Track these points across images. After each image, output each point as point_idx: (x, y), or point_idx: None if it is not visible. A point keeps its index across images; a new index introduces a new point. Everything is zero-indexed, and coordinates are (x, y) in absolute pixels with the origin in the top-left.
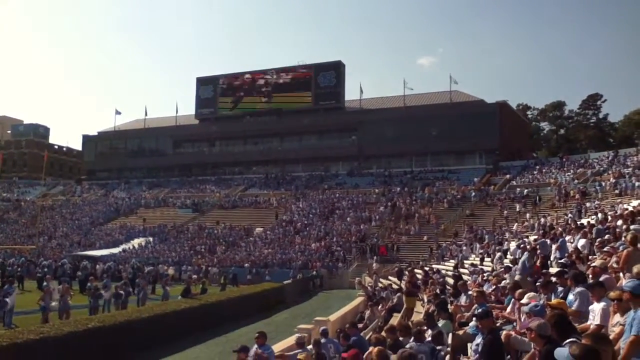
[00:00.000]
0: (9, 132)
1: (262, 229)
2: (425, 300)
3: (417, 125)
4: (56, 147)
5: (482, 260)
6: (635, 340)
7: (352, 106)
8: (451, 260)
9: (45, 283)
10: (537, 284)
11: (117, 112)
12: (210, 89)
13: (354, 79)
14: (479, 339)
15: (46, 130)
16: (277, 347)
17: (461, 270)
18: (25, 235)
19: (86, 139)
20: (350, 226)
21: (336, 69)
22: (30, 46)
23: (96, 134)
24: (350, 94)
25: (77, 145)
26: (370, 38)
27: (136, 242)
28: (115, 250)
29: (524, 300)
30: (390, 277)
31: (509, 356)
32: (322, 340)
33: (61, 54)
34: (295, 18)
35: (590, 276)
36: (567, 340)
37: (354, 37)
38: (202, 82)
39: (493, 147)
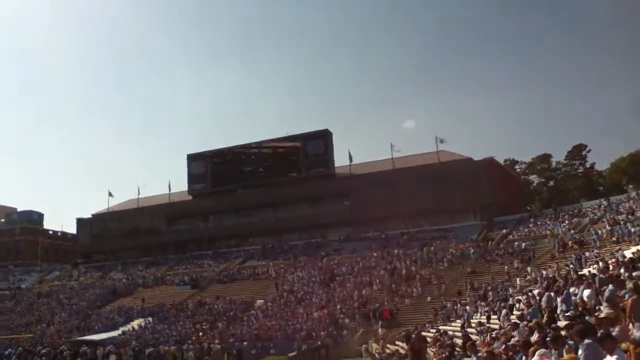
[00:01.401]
0: (2, 220)
1: (262, 300)
2: None
3: (408, 187)
4: (51, 232)
5: (488, 318)
6: None
7: (342, 172)
8: (457, 320)
9: None
10: (547, 339)
11: (110, 195)
12: (202, 165)
13: (342, 145)
14: None
15: (40, 216)
16: None
17: (468, 330)
18: (22, 324)
19: (80, 222)
20: (352, 292)
21: (324, 138)
22: (19, 132)
23: (90, 216)
24: (340, 160)
25: (72, 229)
26: (355, 106)
27: (135, 323)
28: (114, 333)
29: (535, 358)
30: (397, 342)
31: None
32: None
33: (52, 138)
34: (279, 92)
35: (599, 329)
36: None
37: (339, 106)
38: (193, 158)
39: (486, 203)
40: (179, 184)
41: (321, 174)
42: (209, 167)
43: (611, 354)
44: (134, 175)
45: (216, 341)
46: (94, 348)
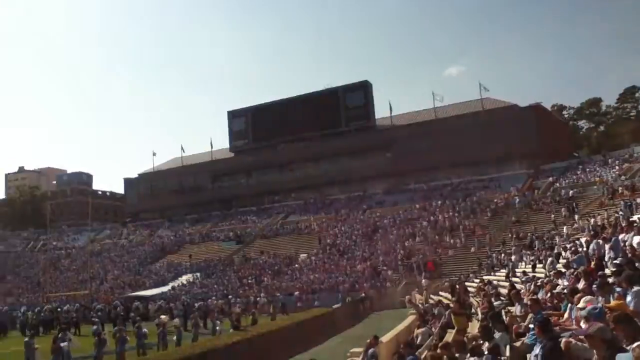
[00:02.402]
0: (54, 182)
1: (306, 254)
2: (480, 313)
3: (451, 136)
4: (100, 192)
5: (533, 267)
6: None
7: (383, 124)
8: (502, 270)
9: (95, 327)
10: (594, 287)
11: (154, 154)
12: (242, 121)
13: (383, 97)
14: (537, 349)
15: (89, 177)
16: None
17: (513, 279)
18: (77, 282)
19: (127, 182)
20: (394, 244)
21: (364, 89)
22: (60, 97)
23: (137, 176)
24: (380, 112)
25: (120, 189)
26: (394, 54)
27: (184, 278)
28: (164, 289)
29: (580, 305)
30: (441, 293)
31: None
32: None
33: (93, 101)
34: (318, 44)
35: None
36: (634, 345)
37: (378, 55)
38: (233, 114)
39: (532, 151)
40: (221, 141)
41: (362, 126)
42: (249, 123)
43: None
44: (176, 135)
45: (262, 294)
46: (146, 303)
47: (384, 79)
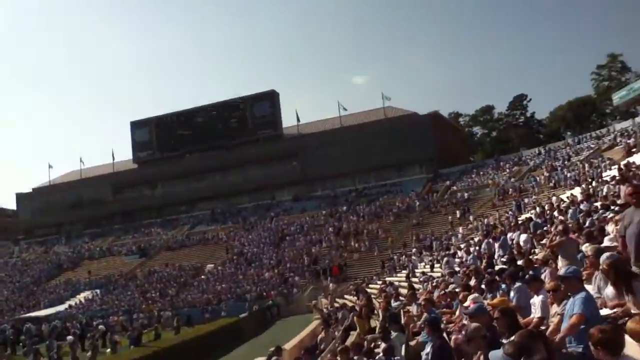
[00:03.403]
0: None
1: (212, 265)
2: (380, 314)
3: (355, 144)
4: None
5: (432, 267)
6: (578, 319)
7: (290, 132)
8: (403, 271)
9: None
10: (482, 285)
11: (50, 166)
12: (146, 132)
13: (290, 106)
14: (428, 347)
15: None
16: None
17: (413, 279)
18: None
19: (20, 197)
20: (301, 251)
21: (270, 98)
22: None
23: (30, 190)
24: (287, 121)
25: (11, 205)
26: (301, 65)
27: (82, 296)
28: (60, 308)
29: (466, 303)
30: (346, 296)
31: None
32: None
33: None
34: (224, 53)
35: (527, 270)
36: (506, 341)
37: (284, 65)
38: (136, 125)
39: (430, 156)
40: (123, 152)
41: (269, 135)
42: (153, 134)
43: (537, 294)
44: (74, 146)
45: (167, 308)
46: (39, 324)
47: (290, 89)
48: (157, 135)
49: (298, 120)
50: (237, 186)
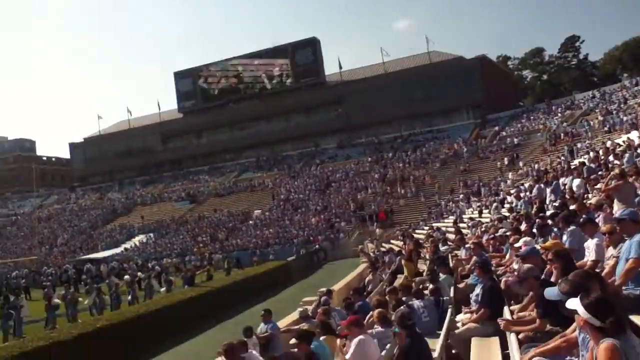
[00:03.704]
0: None
1: (260, 211)
2: (428, 258)
3: (400, 90)
4: (44, 158)
5: (480, 212)
6: (635, 264)
7: (333, 79)
8: (450, 217)
9: (45, 290)
10: (533, 229)
11: (99, 117)
12: (190, 82)
13: (332, 53)
14: (478, 289)
15: (32, 143)
16: (283, 323)
17: (460, 225)
18: (25, 248)
19: (73, 146)
20: (347, 197)
21: (312, 46)
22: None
23: (82, 140)
24: (330, 68)
25: (65, 154)
26: (343, 10)
27: (137, 239)
28: (117, 250)
29: (517, 244)
30: (392, 241)
31: (512, 302)
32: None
33: (36, 64)
34: (265, 2)
35: (581, 214)
36: (560, 280)
37: (327, 12)
38: (180, 75)
39: (478, 101)
40: (169, 102)
41: (312, 82)
42: (197, 84)
43: (592, 237)
44: (121, 97)
45: (217, 251)
46: (98, 265)
47: (332, 36)
48: (200, 85)
49: (340, 67)
50: (281, 134)
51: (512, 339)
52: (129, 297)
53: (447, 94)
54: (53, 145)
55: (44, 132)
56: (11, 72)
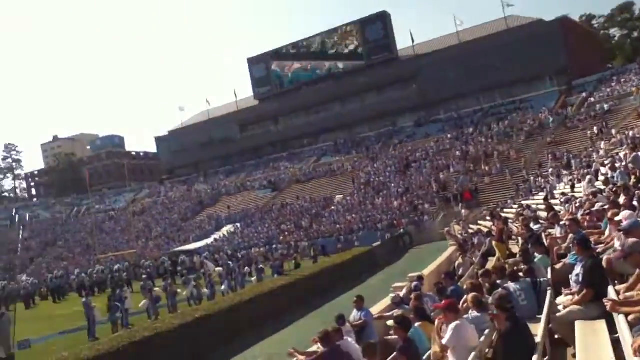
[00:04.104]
0: (88, 148)
1: (341, 195)
2: (520, 239)
3: (477, 60)
4: (134, 153)
5: (572, 187)
6: None
7: (406, 54)
8: (540, 194)
9: (142, 283)
10: (633, 202)
11: (181, 109)
12: (263, 67)
13: (403, 26)
14: (578, 268)
15: (121, 139)
16: (375, 310)
17: (552, 201)
18: (123, 242)
19: (159, 140)
20: (429, 177)
21: (382, 20)
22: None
23: (167, 133)
24: (402, 42)
25: (152, 148)
26: None
27: (225, 230)
28: (208, 241)
29: (618, 218)
30: (480, 222)
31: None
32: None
33: (116, 64)
34: None
35: None
36: None
37: None
38: (253, 62)
39: (562, 67)
40: (245, 89)
41: (384, 59)
42: (270, 69)
43: None
44: (200, 88)
45: (303, 239)
46: (192, 256)
47: (403, 8)
48: (273, 70)
49: (413, 40)
50: (356, 115)
51: (621, 321)
52: (222, 287)
53: (528, 61)
54: (141, 139)
55: (131, 127)
56: (98, 72)
